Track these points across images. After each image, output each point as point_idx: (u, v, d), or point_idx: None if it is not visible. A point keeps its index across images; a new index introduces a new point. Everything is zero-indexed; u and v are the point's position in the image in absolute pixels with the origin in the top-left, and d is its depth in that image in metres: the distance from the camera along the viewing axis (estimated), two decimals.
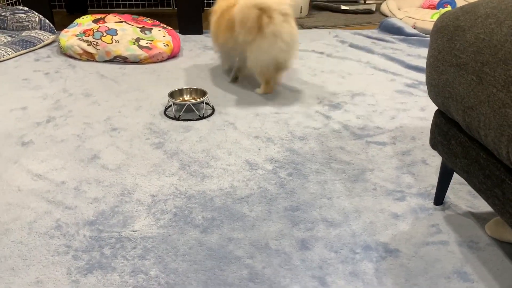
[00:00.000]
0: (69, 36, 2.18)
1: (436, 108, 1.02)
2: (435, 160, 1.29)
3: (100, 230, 1.00)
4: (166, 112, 1.60)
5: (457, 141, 0.92)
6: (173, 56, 2.20)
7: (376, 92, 1.77)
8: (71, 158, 1.30)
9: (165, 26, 2.32)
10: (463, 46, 0.82)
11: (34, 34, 2.36)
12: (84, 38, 2.14)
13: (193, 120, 1.54)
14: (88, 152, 1.34)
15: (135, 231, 1.00)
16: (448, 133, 0.95)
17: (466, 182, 1.18)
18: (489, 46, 0.76)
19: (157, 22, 2.35)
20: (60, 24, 2.84)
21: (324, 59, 2.17)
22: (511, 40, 0.71)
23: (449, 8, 2.77)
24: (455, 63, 0.84)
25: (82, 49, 2.13)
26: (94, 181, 1.19)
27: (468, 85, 0.80)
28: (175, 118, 1.55)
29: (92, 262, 0.91)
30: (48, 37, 2.39)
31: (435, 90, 0.93)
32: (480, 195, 0.87)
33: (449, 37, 0.87)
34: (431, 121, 1.45)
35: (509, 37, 0.72)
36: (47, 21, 2.46)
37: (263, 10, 1.54)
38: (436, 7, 2.88)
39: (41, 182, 1.18)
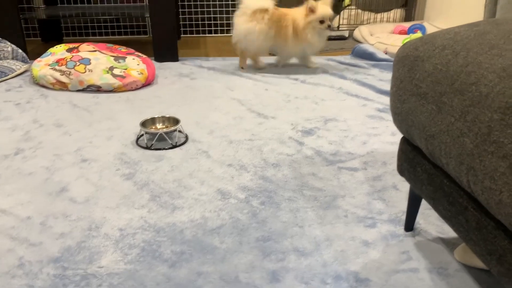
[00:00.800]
0: (42, 66, 2.16)
1: (402, 136, 1.03)
2: (406, 185, 1.30)
3: (64, 268, 0.97)
4: (138, 142, 1.58)
5: (422, 168, 0.93)
6: (147, 84, 2.20)
7: (348, 118, 1.79)
8: (39, 192, 1.27)
9: (140, 54, 2.32)
10: (422, 76, 0.84)
11: (6, 64, 2.34)
12: (57, 67, 2.12)
13: (166, 149, 1.53)
14: (56, 185, 1.31)
15: (102, 267, 0.98)
16: (413, 160, 0.96)
17: None
18: (446, 76, 0.78)
19: (131, 50, 2.36)
20: (35, 53, 2.82)
21: (298, 85, 2.20)
22: (466, 71, 0.73)
23: (419, 33, 2.85)
24: (416, 93, 0.86)
25: (55, 78, 2.11)
26: (61, 215, 1.16)
27: (429, 114, 0.82)
28: (147, 148, 1.54)
29: None
30: (20, 66, 2.37)
31: (399, 118, 0.94)
32: (446, 222, 0.87)
33: (410, 67, 0.89)
34: None
35: (464, 68, 0.74)
36: (20, 50, 2.44)
37: None
38: (407, 32, 2.96)
39: (6, 218, 1.15)
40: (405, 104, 0.90)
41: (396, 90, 0.93)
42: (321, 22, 2.23)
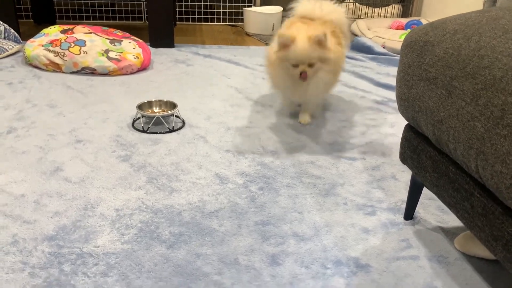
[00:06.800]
0: (35, 46, 2.12)
1: (406, 124, 1.02)
2: (404, 175, 1.30)
3: (60, 246, 0.95)
4: (134, 125, 1.55)
5: (427, 155, 0.92)
6: (143, 68, 2.16)
7: (346, 108, 1.79)
8: (32, 171, 1.24)
9: (136, 38, 2.29)
10: (432, 61, 0.83)
11: None
12: (51, 48, 2.08)
13: (162, 133, 1.51)
14: (50, 164, 1.28)
15: (98, 246, 0.96)
16: (418, 147, 0.96)
17: (435, 197, 1.19)
18: (457, 60, 0.77)
19: (127, 34, 2.32)
20: (27, 34, 2.76)
21: None
22: (479, 55, 0.73)
23: None
24: (424, 78, 0.85)
25: (48, 59, 2.06)
26: (56, 194, 1.14)
27: (438, 99, 0.81)
28: (143, 131, 1.51)
29: (50, 279, 0.86)
30: (13, 46, 2.31)
31: (405, 104, 0.93)
32: (450, 209, 0.87)
33: (419, 52, 0.88)
34: (400, 137, 1.46)
35: (477, 52, 0.73)
36: (12, 30, 2.39)
37: None
38: (404, 28, 2.96)
39: None
40: (412, 89, 0.89)
41: (404, 75, 0.92)
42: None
